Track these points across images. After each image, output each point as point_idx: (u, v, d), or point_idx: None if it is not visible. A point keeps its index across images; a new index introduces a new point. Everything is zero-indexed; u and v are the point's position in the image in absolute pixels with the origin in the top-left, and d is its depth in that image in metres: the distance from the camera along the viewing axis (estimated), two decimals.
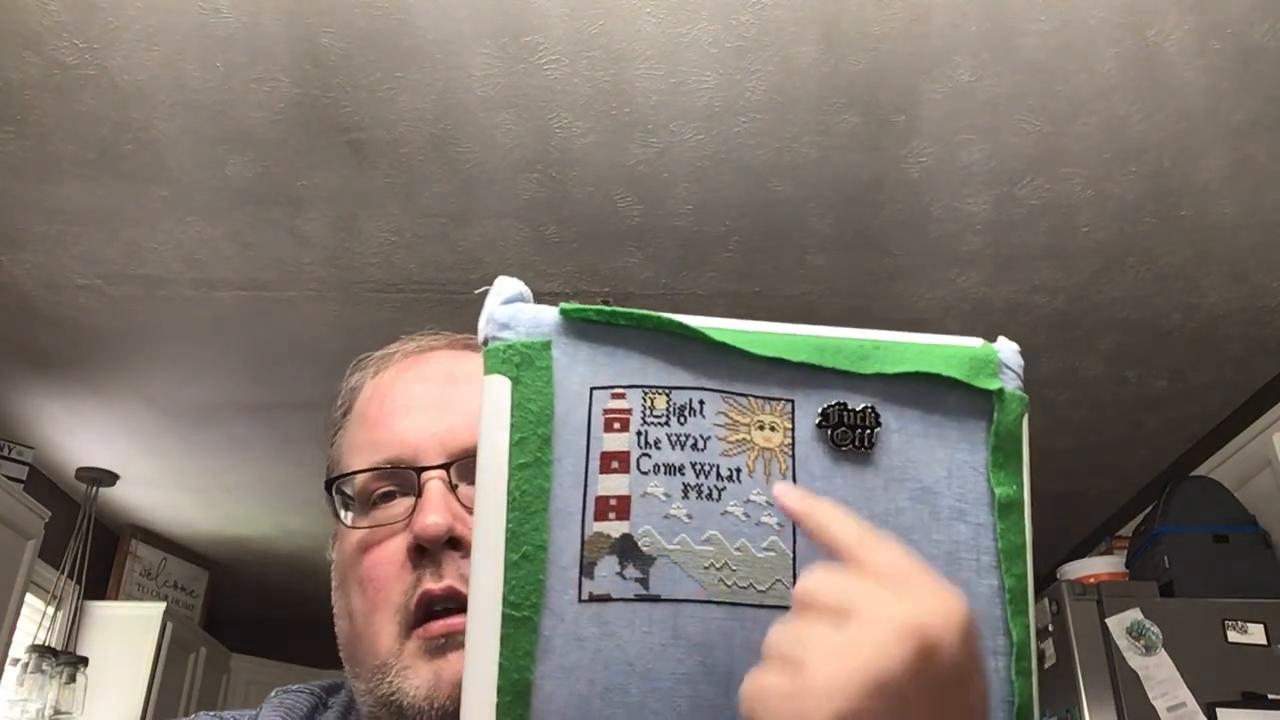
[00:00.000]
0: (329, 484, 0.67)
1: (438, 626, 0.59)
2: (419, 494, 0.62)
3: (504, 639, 0.44)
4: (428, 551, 0.60)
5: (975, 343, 0.51)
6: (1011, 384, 0.51)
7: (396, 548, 0.61)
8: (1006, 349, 0.52)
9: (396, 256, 2.38)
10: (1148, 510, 2.85)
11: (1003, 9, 1.74)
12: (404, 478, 0.63)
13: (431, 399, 0.65)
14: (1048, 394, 2.85)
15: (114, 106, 1.96)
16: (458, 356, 0.70)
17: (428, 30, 1.80)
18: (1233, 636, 2.30)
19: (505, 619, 0.45)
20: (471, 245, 2.34)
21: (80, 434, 3.30)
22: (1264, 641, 2.30)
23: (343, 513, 0.66)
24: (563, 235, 2.30)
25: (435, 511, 0.60)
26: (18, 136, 2.03)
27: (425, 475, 0.62)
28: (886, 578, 0.41)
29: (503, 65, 1.86)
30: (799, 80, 1.89)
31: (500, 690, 0.44)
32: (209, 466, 3.54)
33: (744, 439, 0.48)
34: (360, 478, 0.65)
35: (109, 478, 3.61)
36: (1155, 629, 2.30)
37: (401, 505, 0.63)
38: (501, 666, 0.44)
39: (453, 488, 0.62)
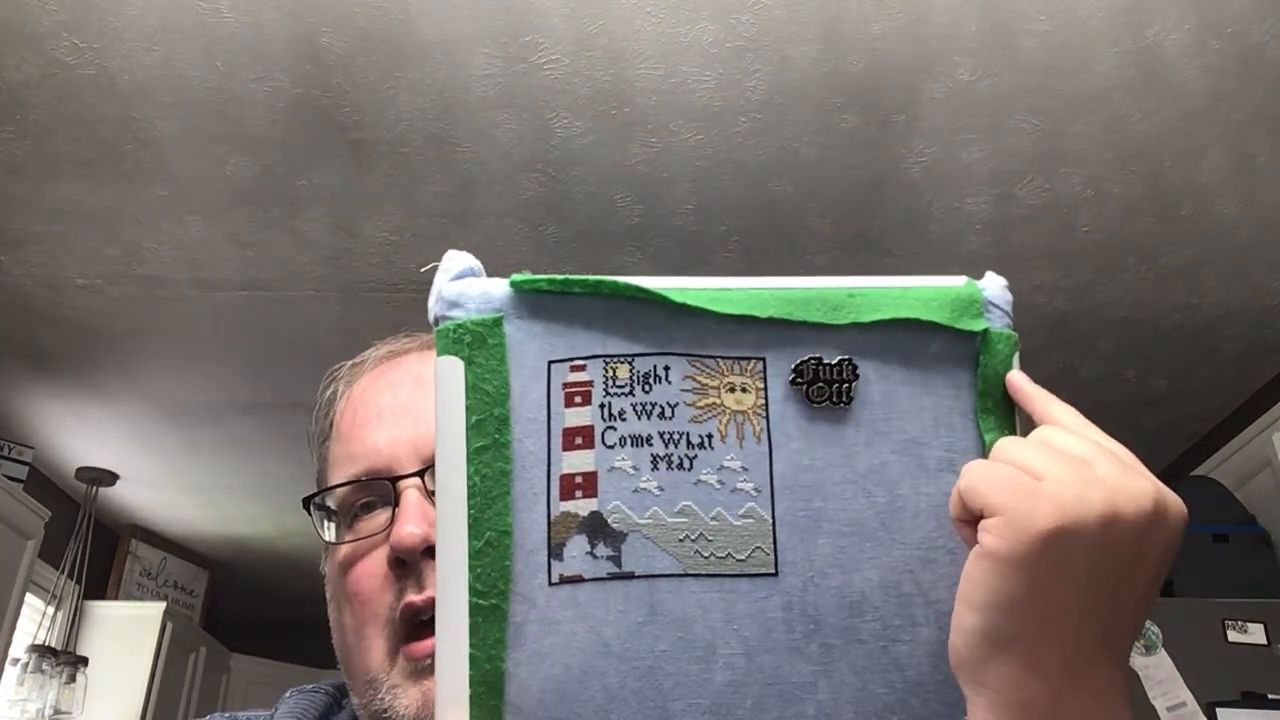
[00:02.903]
0: (307, 502, 0.66)
1: (422, 648, 0.58)
2: (396, 504, 0.61)
3: (473, 629, 0.43)
4: (408, 563, 0.59)
5: (958, 281, 0.48)
6: (999, 323, 0.48)
7: (379, 560, 0.61)
8: (993, 285, 0.49)
9: (396, 256, 2.38)
10: None
11: (1003, 9, 1.74)
12: (381, 488, 0.63)
13: (402, 405, 0.65)
14: None
15: (114, 106, 1.96)
16: (429, 358, 0.68)
17: (428, 30, 1.80)
18: (1233, 636, 2.30)
19: (473, 608, 0.43)
20: (471, 245, 2.32)
21: (80, 434, 3.30)
22: (1264, 641, 2.30)
23: (326, 528, 0.66)
24: (563, 235, 2.30)
25: (411, 521, 0.59)
26: (18, 136, 2.03)
27: (401, 484, 0.62)
28: (1123, 461, 0.43)
29: (503, 65, 1.86)
30: (799, 80, 1.88)
31: (473, 681, 0.43)
32: (209, 466, 3.54)
33: (714, 403, 0.46)
34: (340, 491, 0.65)
35: (109, 478, 3.61)
36: (1155, 629, 2.30)
37: (382, 516, 0.62)
38: (472, 657, 0.43)
39: (430, 494, 0.61)
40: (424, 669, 0.58)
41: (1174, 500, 0.42)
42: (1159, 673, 2.25)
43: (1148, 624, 2.31)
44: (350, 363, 0.72)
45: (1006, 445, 0.43)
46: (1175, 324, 2.56)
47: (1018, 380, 0.46)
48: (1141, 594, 0.42)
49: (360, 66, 1.87)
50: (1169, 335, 2.60)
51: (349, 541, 0.63)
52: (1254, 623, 2.31)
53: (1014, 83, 1.88)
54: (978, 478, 0.41)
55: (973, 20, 1.76)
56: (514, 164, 2.09)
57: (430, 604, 0.58)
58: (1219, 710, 2.20)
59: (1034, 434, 0.43)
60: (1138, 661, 2.27)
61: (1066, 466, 0.41)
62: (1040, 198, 2.15)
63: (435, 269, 0.48)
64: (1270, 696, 2.21)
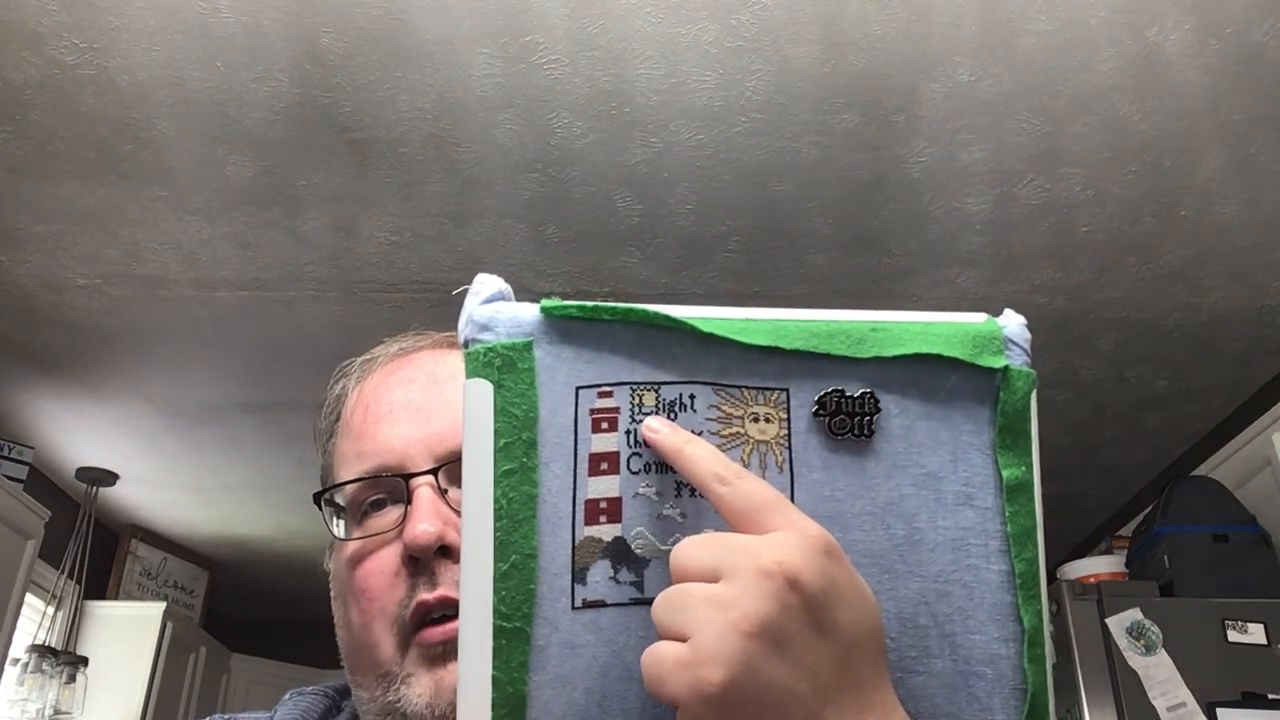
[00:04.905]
0: (318, 497, 0.66)
1: (434, 634, 0.58)
2: (408, 501, 0.61)
3: (496, 651, 0.44)
4: (420, 560, 0.59)
5: (979, 318, 0.49)
6: (1018, 360, 0.49)
7: (390, 557, 0.61)
8: (1012, 323, 0.50)
9: (396, 256, 2.38)
10: (1148, 510, 2.85)
11: (1003, 9, 1.74)
12: (393, 485, 0.63)
13: (415, 403, 0.65)
14: (1048, 394, 2.85)
15: (114, 106, 1.96)
16: (441, 356, 0.69)
17: (428, 30, 1.80)
18: (1233, 636, 2.30)
19: (497, 630, 0.44)
20: (471, 245, 2.34)
21: (80, 434, 3.30)
22: (1264, 641, 2.30)
23: (335, 524, 0.65)
24: (563, 235, 2.30)
25: (425, 519, 0.59)
26: (18, 136, 2.03)
27: (414, 482, 0.61)
28: (745, 517, 0.42)
29: (503, 65, 1.86)
30: (799, 80, 1.88)
31: (495, 704, 0.43)
32: (209, 466, 3.54)
33: (738, 432, 0.46)
34: (350, 488, 0.64)
35: (109, 478, 3.61)
36: (1155, 629, 2.30)
37: (393, 513, 0.62)
38: (495, 679, 0.43)
39: (442, 492, 0.61)
40: (436, 656, 0.58)
41: (801, 548, 0.41)
42: (1159, 673, 2.25)
43: (1147, 624, 2.31)
44: (361, 359, 0.72)
45: (656, 608, 0.42)
46: (1175, 324, 2.56)
47: (651, 434, 0.45)
48: (839, 645, 0.41)
49: (360, 66, 1.87)
50: (1169, 335, 2.60)
51: (359, 538, 0.63)
52: (1254, 623, 2.31)
53: (1014, 83, 1.88)
54: (647, 668, 0.41)
55: (973, 20, 1.76)
56: (514, 164, 2.09)
57: (442, 602, 0.58)
58: (1219, 710, 2.20)
59: (671, 561, 0.42)
60: (1138, 661, 2.27)
61: (700, 605, 0.40)
62: (1040, 198, 2.15)
63: (465, 292, 0.48)
64: (1270, 696, 2.21)
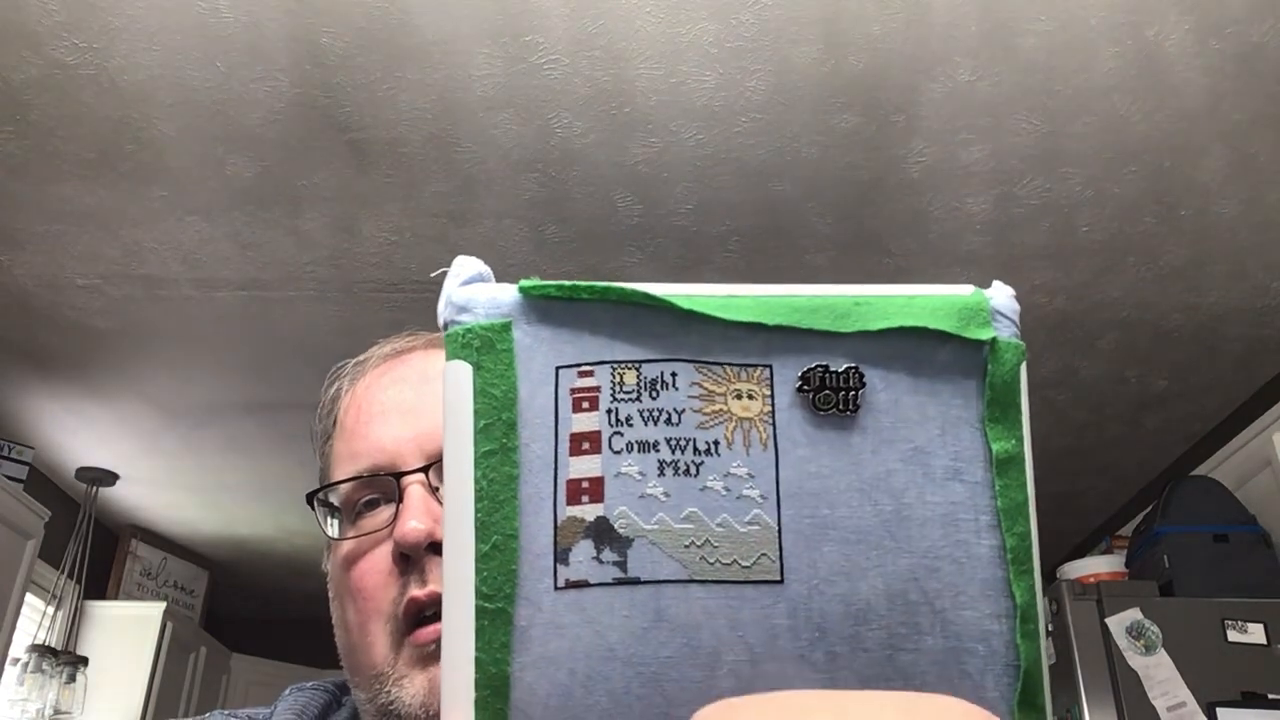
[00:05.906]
0: (311, 497, 0.67)
1: (426, 633, 0.59)
2: (400, 500, 0.61)
3: (479, 632, 0.43)
4: (412, 558, 0.59)
5: (965, 290, 0.48)
6: (1006, 332, 0.48)
7: (383, 556, 0.61)
8: (1000, 295, 0.49)
9: (396, 256, 2.38)
10: (1148, 510, 2.85)
11: (1003, 9, 1.74)
12: (385, 485, 0.63)
13: (408, 402, 0.65)
14: (1048, 394, 2.85)
15: (114, 106, 1.96)
16: (434, 356, 0.69)
17: (428, 30, 1.80)
18: (1233, 636, 2.30)
19: (479, 611, 0.43)
20: (471, 245, 2.34)
21: (80, 434, 3.30)
22: (1264, 641, 2.30)
23: (330, 524, 0.66)
24: (563, 235, 2.30)
25: (415, 517, 0.59)
26: (18, 136, 2.03)
27: (405, 480, 0.62)
28: None
29: (503, 65, 1.86)
30: (799, 80, 1.88)
31: (478, 685, 0.43)
32: (209, 466, 3.54)
33: (721, 409, 0.46)
34: (344, 488, 0.65)
35: (109, 478, 3.61)
36: (1155, 629, 2.30)
37: (385, 513, 0.63)
38: (478, 660, 0.43)
39: (433, 490, 0.62)
40: (429, 655, 0.58)
41: None
42: (1159, 673, 2.25)
43: (1147, 624, 2.31)
44: (354, 360, 0.73)
45: None
46: (1175, 324, 2.56)
47: None
48: None
49: (360, 66, 1.87)
50: (1169, 335, 2.60)
51: (352, 538, 0.63)
52: (1254, 623, 2.31)
53: (1014, 83, 1.88)
54: None
55: (973, 20, 1.76)
56: (514, 164, 2.09)
57: (433, 599, 0.59)
58: (1219, 710, 2.20)
59: None
60: (1137, 661, 2.27)
61: None
62: (1040, 198, 2.15)
63: (445, 274, 0.48)
64: (1270, 696, 2.21)
